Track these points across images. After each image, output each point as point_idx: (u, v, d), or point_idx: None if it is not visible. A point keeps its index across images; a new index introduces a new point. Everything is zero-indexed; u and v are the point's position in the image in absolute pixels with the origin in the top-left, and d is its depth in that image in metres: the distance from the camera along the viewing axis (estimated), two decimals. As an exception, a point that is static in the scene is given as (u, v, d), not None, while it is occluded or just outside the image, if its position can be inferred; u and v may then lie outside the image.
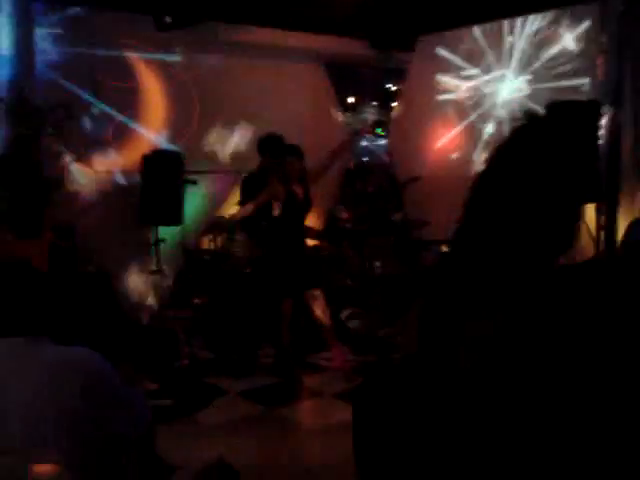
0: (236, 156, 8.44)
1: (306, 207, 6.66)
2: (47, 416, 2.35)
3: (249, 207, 6.35)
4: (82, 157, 7.21)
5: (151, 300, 7.42)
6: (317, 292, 6.48)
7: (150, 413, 2.75)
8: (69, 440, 2.36)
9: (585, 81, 7.28)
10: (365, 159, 12.62)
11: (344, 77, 10.29)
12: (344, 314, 7.62)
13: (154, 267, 7.36)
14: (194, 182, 7.38)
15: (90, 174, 7.29)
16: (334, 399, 6.00)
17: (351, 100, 11.77)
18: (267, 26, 8.31)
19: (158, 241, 7.33)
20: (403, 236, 8.65)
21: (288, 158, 6.51)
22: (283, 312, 6.51)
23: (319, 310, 6.46)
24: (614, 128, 5.61)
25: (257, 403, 5.99)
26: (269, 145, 6.61)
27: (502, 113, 8.31)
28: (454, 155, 8.80)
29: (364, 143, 13.19)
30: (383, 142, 13.13)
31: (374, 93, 11.76)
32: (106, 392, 2.46)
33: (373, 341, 7.38)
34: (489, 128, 8.45)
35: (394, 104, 11.23)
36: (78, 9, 7.05)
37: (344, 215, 9.07)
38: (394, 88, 11.39)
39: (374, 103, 12.18)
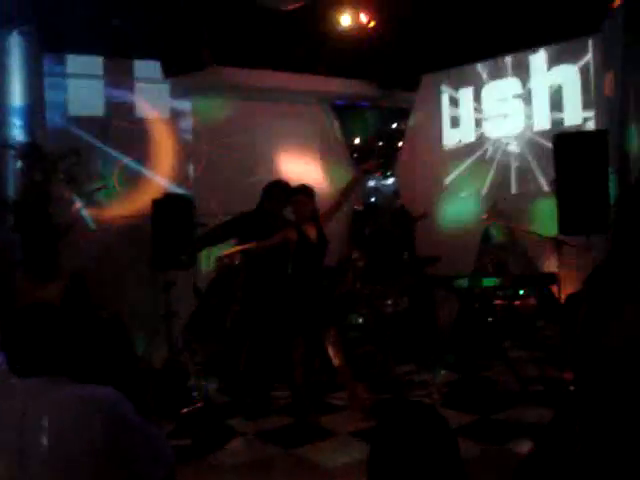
0: (245, 197, 8.48)
1: (320, 247, 6.58)
2: (69, 456, 2.35)
3: (253, 245, 6.44)
4: (92, 203, 7.25)
5: (164, 344, 7.38)
6: (331, 332, 6.43)
7: (173, 453, 2.73)
8: (90, 476, 2.36)
9: (590, 114, 7.35)
10: (372, 199, 12.68)
11: (350, 118, 10.39)
12: (357, 352, 7.58)
13: (166, 310, 7.34)
14: (205, 225, 7.40)
15: (100, 220, 7.32)
16: (351, 438, 5.95)
17: (357, 141, 11.87)
18: (274, 70, 8.43)
19: (170, 284, 7.32)
20: (414, 274, 8.65)
21: (299, 197, 6.51)
22: (295, 352, 6.46)
23: (333, 350, 6.41)
24: (621, 158, 5.62)
25: (274, 444, 5.94)
26: (275, 191, 6.72)
27: (510, 149, 8.36)
28: (463, 192, 8.83)
29: (371, 183, 13.25)
30: (390, 181, 13.19)
31: (380, 133, 11.86)
32: (128, 431, 2.46)
33: (388, 380, 7.34)
34: (496, 164, 8.49)
35: (400, 143, 11.31)
36: (88, 57, 7.17)
37: (355, 254, 9.07)
38: (399, 127, 11.47)
39: (380, 143, 12.28)
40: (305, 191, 6.61)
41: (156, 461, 2.56)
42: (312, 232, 6.52)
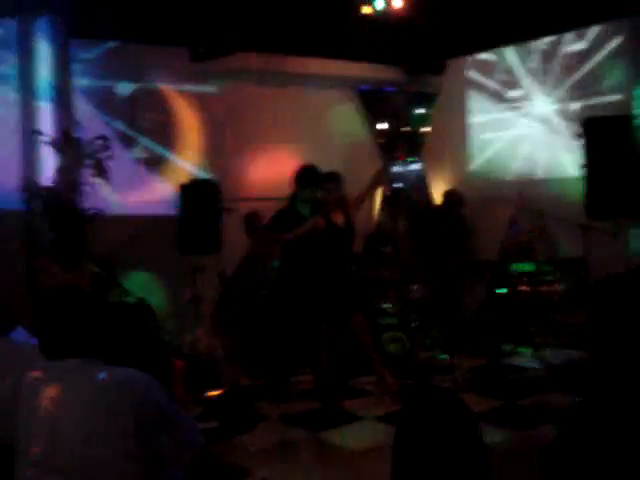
0: (272, 183, 8.50)
1: (348, 233, 6.56)
2: (99, 435, 2.39)
3: (288, 236, 6.38)
4: (120, 188, 7.30)
5: (191, 328, 7.44)
6: (357, 318, 6.44)
7: (202, 438, 2.75)
8: (120, 459, 2.39)
9: (620, 97, 7.27)
10: (399, 185, 12.64)
11: (376, 103, 10.36)
12: (384, 338, 7.59)
13: (193, 295, 7.39)
14: (232, 210, 7.43)
15: (128, 205, 7.37)
16: (377, 422, 5.97)
17: (383, 126, 11.82)
18: (300, 55, 8.43)
19: (197, 269, 7.36)
20: (441, 259, 8.62)
21: (327, 185, 6.50)
22: (320, 337, 6.48)
23: (360, 336, 6.45)
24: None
25: (300, 427, 5.97)
26: (306, 177, 6.65)
27: (536, 132, 8.29)
28: (490, 175, 8.78)
29: (397, 169, 13.20)
30: (415, 167, 13.14)
31: (406, 118, 11.81)
32: (156, 412, 2.49)
33: (414, 364, 7.35)
34: (523, 149, 8.43)
35: (426, 128, 11.25)
36: (114, 43, 7.19)
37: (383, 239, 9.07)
38: (426, 112, 11.42)
39: (406, 128, 12.23)
40: (333, 177, 6.60)
41: (183, 446, 2.59)
42: (340, 218, 6.50)
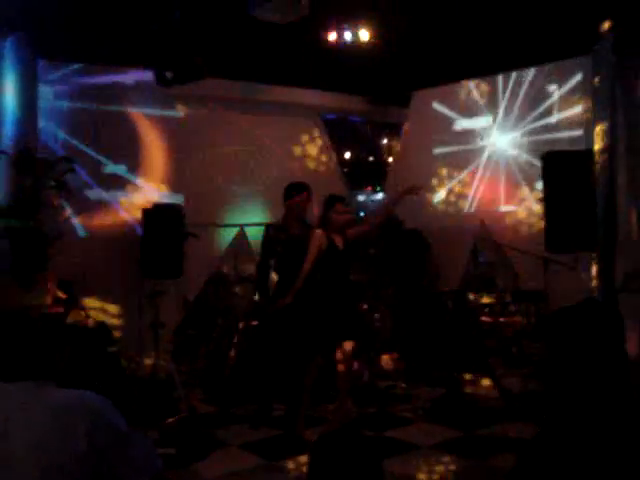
0: (236, 209, 8.52)
1: (346, 255, 6.46)
2: (52, 461, 2.34)
3: (307, 266, 6.33)
4: (83, 210, 7.26)
5: (151, 352, 7.37)
6: (349, 345, 6.25)
7: (160, 461, 2.72)
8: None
9: (579, 132, 7.42)
10: (362, 214, 12.71)
11: (341, 131, 10.44)
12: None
13: (154, 320, 7.33)
14: (195, 235, 7.41)
15: (90, 227, 7.33)
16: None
17: (347, 155, 11.90)
18: (266, 82, 8.48)
19: (158, 293, 7.32)
20: (404, 287, 8.68)
21: (337, 206, 6.43)
22: (312, 367, 6.32)
23: (344, 360, 6.25)
24: (609, 177, 5.68)
25: (257, 455, 5.94)
26: (296, 187, 6.80)
27: (498, 165, 8.42)
28: (452, 207, 8.88)
29: (361, 198, 13.29)
30: (380, 196, 13.23)
31: (370, 148, 11.91)
32: (113, 438, 2.44)
33: (371, 393, 7.36)
34: (486, 181, 8.54)
35: (390, 158, 11.37)
36: (81, 65, 7.18)
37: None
38: (390, 142, 11.53)
39: (370, 158, 12.33)
40: (343, 200, 6.65)
41: (141, 470, 2.55)
42: (339, 240, 6.43)
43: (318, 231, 6.35)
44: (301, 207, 6.84)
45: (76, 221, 7.23)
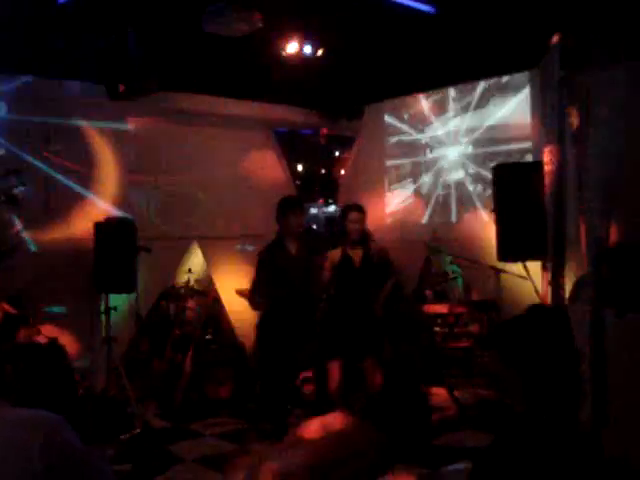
0: (188, 223, 8.49)
1: (365, 272, 6.18)
2: (5, 476, 2.30)
3: (325, 275, 6.12)
4: (33, 225, 7.16)
5: (103, 369, 7.29)
6: (368, 361, 6.15)
7: (114, 477, 2.70)
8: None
9: (528, 144, 7.56)
10: (313, 226, 12.77)
11: (293, 145, 10.48)
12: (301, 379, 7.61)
13: (106, 335, 7.26)
14: (148, 250, 7.35)
15: (41, 242, 7.23)
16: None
17: (299, 168, 11.97)
18: (218, 95, 8.48)
19: (110, 309, 7.25)
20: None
21: (351, 215, 6.21)
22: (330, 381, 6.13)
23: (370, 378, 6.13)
24: (558, 189, 5.80)
25: (214, 470, 5.91)
26: (291, 203, 6.49)
27: (450, 177, 8.52)
28: (405, 219, 8.95)
29: (313, 210, 13.35)
30: (331, 209, 13.31)
31: (322, 160, 11.98)
32: (68, 456, 2.41)
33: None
34: (438, 191, 8.64)
35: (342, 171, 11.45)
36: (30, 77, 7.11)
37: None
38: (341, 155, 11.62)
39: (322, 171, 12.41)
40: (358, 208, 6.33)
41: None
42: (357, 255, 6.19)
43: (333, 252, 6.14)
44: (295, 224, 6.47)
45: (26, 235, 7.12)
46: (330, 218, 12.11)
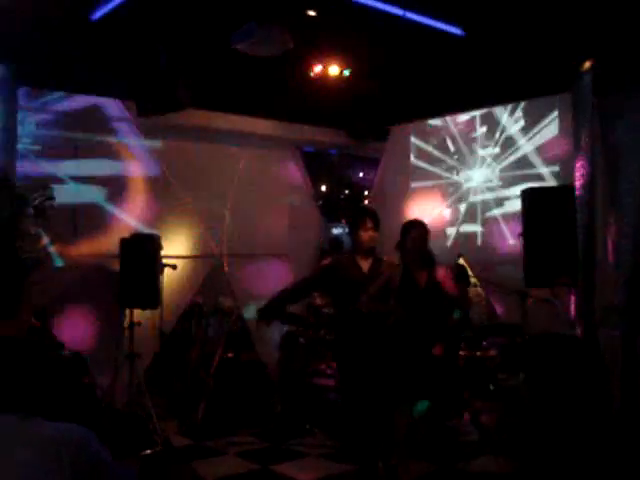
0: (213, 241, 8.51)
1: (429, 295, 5.53)
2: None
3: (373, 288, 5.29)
4: (60, 239, 7.20)
5: (126, 384, 7.29)
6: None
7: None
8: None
9: (556, 168, 7.52)
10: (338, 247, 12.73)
11: (317, 164, 10.49)
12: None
13: (129, 351, 7.27)
14: (174, 267, 7.38)
15: (67, 257, 7.26)
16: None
17: (323, 188, 11.96)
18: (246, 114, 8.52)
19: (134, 324, 7.27)
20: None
21: (412, 233, 5.71)
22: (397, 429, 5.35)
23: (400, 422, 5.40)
24: (588, 214, 5.77)
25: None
26: (361, 216, 5.59)
27: (475, 200, 8.49)
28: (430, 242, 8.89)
29: (335, 231, 13.31)
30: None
31: (346, 181, 11.98)
32: (99, 472, 2.40)
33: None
34: (463, 216, 8.61)
35: (365, 192, 11.43)
36: (62, 93, 7.17)
37: (319, 301, 9.05)
38: (366, 176, 11.60)
39: (346, 191, 12.39)
40: (420, 226, 5.81)
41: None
42: (422, 277, 5.61)
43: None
44: (368, 239, 5.50)
45: (52, 250, 7.15)
46: (334, 238, 11.98)
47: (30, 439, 2.37)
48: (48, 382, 2.83)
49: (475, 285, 9.01)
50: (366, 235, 5.43)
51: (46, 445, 2.33)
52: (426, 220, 8.83)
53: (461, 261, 8.34)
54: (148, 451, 6.59)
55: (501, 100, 8.08)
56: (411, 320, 5.40)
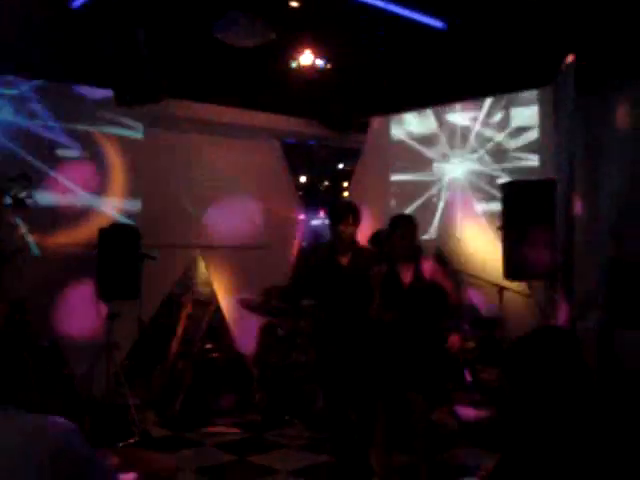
0: (192, 230, 8.48)
1: (415, 293, 5.30)
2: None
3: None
4: (38, 229, 7.14)
5: (104, 375, 7.25)
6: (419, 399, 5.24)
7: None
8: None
9: (535, 162, 7.57)
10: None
11: (297, 156, 10.48)
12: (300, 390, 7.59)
13: (108, 341, 7.23)
14: (153, 257, 7.34)
15: (45, 246, 7.20)
16: (291, 477, 5.95)
17: (303, 179, 11.96)
18: (226, 105, 8.48)
19: (113, 315, 7.23)
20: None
21: (400, 227, 5.40)
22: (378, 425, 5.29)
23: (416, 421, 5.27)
24: (567, 208, 5.81)
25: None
26: (344, 211, 5.49)
27: (455, 192, 8.53)
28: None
29: (315, 222, 13.31)
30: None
31: (326, 172, 11.97)
32: (78, 464, 2.38)
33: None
34: (441, 206, 8.64)
35: (345, 183, 11.44)
36: (40, 81, 7.10)
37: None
38: (346, 168, 11.61)
39: (325, 182, 12.40)
40: (408, 220, 5.55)
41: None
42: (407, 274, 5.38)
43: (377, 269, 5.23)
44: (348, 234, 5.45)
45: (30, 239, 7.10)
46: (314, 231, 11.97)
47: (9, 431, 2.35)
48: (26, 373, 2.81)
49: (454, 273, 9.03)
50: (347, 230, 5.39)
51: (25, 437, 2.32)
52: (407, 211, 8.96)
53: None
54: (125, 441, 6.57)
55: (481, 93, 8.11)
56: (399, 319, 5.25)
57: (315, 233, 12.34)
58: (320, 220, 12.64)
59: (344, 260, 5.47)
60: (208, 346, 8.20)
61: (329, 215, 5.66)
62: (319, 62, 7.61)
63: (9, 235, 6.56)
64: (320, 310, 5.60)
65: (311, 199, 11.86)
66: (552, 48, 6.03)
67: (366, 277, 5.22)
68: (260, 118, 9.02)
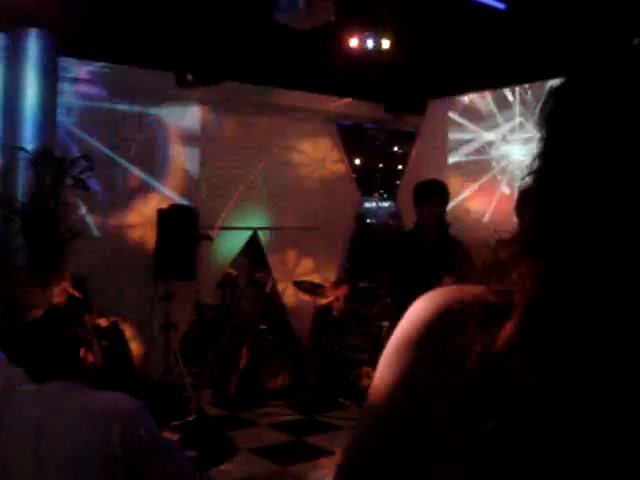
0: (249, 213, 8.51)
1: (436, 262, 4.80)
2: (86, 465, 2.32)
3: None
4: (97, 210, 7.24)
5: (161, 354, 7.36)
6: None
7: (191, 466, 2.72)
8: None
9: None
10: (370, 221, 12.71)
11: (354, 138, 10.43)
12: (355, 373, 7.60)
13: (165, 321, 7.32)
14: (210, 238, 7.40)
15: (105, 227, 7.31)
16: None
17: (358, 161, 11.92)
18: (283, 87, 8.47)
19: (170, 295, 7.31)
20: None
21: (432, 197, 5.02)
22: None
23: None
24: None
25: (270, 460, 5.94)
26: (426, 190, 5.11)
27: (515, 174, 8.40)
28: (466, 217, 8.82)
29: (368, 205, 13.29)
30: (387, 204, 13.24)
31: (382, 155, 11.91)
32: (144, 440, 2.43)
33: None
34: (502, 189, 8.53)
35: (400, 166, 11.37)
36: (102, 64, 7.17)
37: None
38: (402, 150, 11.54)
39: (380, 165, 12.34)
40: (441, 189, 5.13)
41: (172, 476, 2.53)
42: (430, 243, 5.06)
43: None
44: (434, 214, 5.11)
45: (90, 220, 7.20)
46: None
47: (80, 408, 2.40)
48: (98, 349, 2.86)
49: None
50: (432, 211, 5.00)
51: (96, 414, 2.37)
52: (462, 196, 8.88)
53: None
54: (181, 420, 6.65)
55: (542, 76, 7.94)
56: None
57: (361, 217, 12.35)
58: (374, 202, 12.63)
59: (427, 245, 5.08)
60: (263, 327, 8.26)
61: (413, 194, 5.22)
62: (376, 43, 7.54)
63: (70, 215, 6.66)
64: (396, 303, 5.31)
65: (366, 181, 11.83)
66: (618, 30, 5.87)
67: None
68: (315, 100, 8.98)
